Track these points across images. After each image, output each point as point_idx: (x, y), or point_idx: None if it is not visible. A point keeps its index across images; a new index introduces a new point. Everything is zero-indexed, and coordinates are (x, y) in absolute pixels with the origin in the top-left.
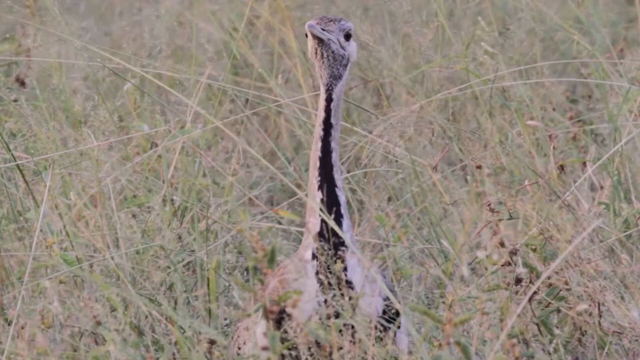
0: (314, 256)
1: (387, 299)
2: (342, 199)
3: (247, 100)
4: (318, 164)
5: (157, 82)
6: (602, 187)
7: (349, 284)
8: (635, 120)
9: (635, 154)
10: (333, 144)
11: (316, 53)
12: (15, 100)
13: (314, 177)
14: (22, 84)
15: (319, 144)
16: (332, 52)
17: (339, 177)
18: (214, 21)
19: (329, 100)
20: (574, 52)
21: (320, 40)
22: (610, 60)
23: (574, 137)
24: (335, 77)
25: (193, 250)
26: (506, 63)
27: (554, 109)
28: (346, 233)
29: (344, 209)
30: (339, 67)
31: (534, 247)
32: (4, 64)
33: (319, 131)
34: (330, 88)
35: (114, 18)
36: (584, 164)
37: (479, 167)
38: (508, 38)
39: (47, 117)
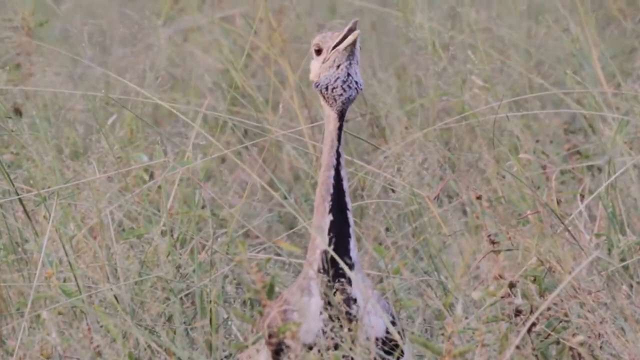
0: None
1: (392, 323)
2: (351, 221)
3: (245, 131)
4: (331, 190)
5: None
6: (597, 219)
7: (353, 301)
8: (629, 152)
9: (630, 185)
10: (342, 172)
11: (338, 67)
12: (13, 131)
13: (325, 201)
14: (19, 113)
15: (331, 172)
16: (358, 62)
17: (349, 201)
18: (212, 53)
19: (340, 128)
20: (569, 85)
21: (351, 53)
22: (603, 92)
23: (571, 168)
24: (350, 101)
25: (192, 281)
26: (500, 96)
27: (551, 142)
28: (352, 251)
29: (352, 230)
30: (356, 89)
31: (533, 278)
32: (3, 94)
33: (331, 160)
34: (343, 114)
35: (112, 48)
36: (582, 195)
37: (478, 197)
38: (504, 70)
39: (46, 148)
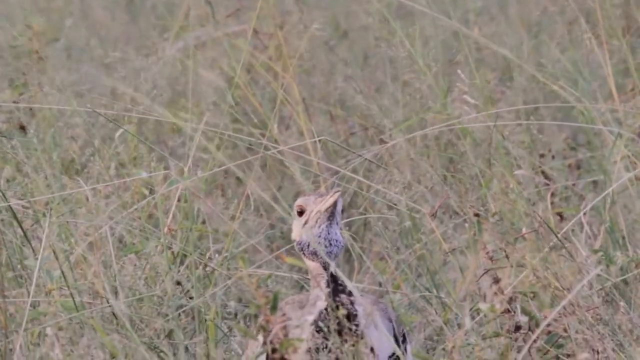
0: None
1: (395, 338)
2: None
3: (250, 144)
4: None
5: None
6: (596, 236)
7: (354, 316)
8: (632, 166)
9: (630, 200)
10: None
11: (319, 227)
12: (13, 147)
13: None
14: (23, 129)
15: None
16: (338, 224)
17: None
18: (215, 68)
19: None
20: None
21: (331, 214)
22: (608, 107)
23: (573, 185)
24: (332, 255)
25: (192, 297)
26: (505, 113)
27: (553, 157)
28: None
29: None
30: (337, 247)
31: (532, 294)
32: (7, 111)
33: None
34: (327, 268)
35: (115, 65)
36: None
37: (477, 215)
38: (511, 87)
39: (43, 165)
